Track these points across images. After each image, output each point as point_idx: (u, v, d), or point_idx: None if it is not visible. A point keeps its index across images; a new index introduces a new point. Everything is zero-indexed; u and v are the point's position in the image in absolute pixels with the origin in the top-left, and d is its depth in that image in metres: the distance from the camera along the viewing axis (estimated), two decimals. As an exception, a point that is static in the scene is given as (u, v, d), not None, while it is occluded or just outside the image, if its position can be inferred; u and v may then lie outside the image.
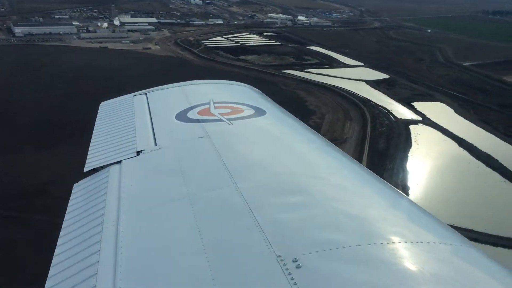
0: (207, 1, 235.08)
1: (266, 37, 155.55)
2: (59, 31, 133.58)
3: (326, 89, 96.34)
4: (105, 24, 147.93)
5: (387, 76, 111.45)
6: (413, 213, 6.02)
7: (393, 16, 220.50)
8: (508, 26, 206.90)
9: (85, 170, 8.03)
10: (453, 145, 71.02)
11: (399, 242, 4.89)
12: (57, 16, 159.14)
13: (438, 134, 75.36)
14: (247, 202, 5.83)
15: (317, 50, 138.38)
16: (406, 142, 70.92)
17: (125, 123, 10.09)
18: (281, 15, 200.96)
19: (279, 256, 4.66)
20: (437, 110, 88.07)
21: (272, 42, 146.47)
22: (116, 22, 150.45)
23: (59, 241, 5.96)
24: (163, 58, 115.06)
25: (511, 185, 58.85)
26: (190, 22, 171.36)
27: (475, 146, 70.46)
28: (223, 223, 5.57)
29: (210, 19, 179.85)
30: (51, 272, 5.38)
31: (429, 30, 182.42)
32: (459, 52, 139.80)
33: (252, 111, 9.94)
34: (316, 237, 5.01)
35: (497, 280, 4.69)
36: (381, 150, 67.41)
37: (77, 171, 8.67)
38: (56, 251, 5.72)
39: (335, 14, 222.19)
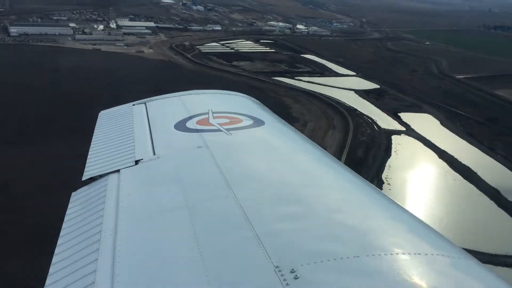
0: (209, 7, 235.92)
1: (263, 44, 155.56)
2: (55, 32, 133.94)
3: (314, 97, 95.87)
4: (101, 27, 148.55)
5: (378, 86, 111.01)
6: (412, 224, 6.02)
7: (394, 28, 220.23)
8: (508, 41, 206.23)
9: (84, 178, 8.01)
10: (433, 156, 70.31)
11: (397, 254, 4.88)
12: (56, 18, 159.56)
13: (420, 145, 74.67)
14: (245, 212, 5.83)
15: (311, 58, 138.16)
16: (385, 152, 70.25)
17: (124, 132, 10.14)
18: (280, 23, 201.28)
19: (277, 266, 4.66)
20: (422, 122, 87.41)
21: (267, 49, 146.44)
22: (113, 25, 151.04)
23: (57, 250, 5.95)
24: (155, 61, 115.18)
25: (486, 199, 57.96)
26: (188, 27, 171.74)
27: (456, 159, 69.67)
28: (221, 233, 5.58)
29: (208, 25, 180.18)
30: (48, 280, 5.38)
31: (428, 43, 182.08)
32: (455, 64, 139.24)
33: (250, 122, 10.03)
34: (314, 248, 5.00)
35: None
36: (358, 159, 66.69)
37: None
38: (54, 260, 5.72)
39: (335, 24, 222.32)
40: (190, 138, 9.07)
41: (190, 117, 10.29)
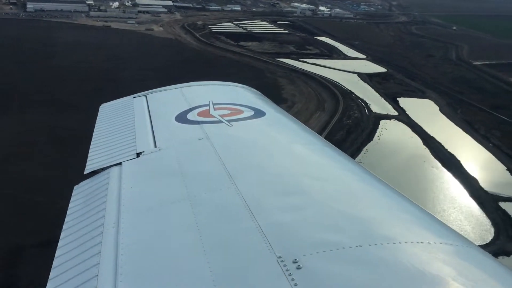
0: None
1: (278, 25, 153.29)
2: (71, 8, 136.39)
3: (311, 79, 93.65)
4: (116, 4, 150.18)
5: (385, 70, 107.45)
6: (414, 213, 6.00)
7: (424, 11, 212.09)
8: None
9: (86, 172, 8.03)
10: (418, 142, 67.31)
11: (400, 243, 4.87)
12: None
13: (408, 131, 71.68)
14: (247, 204, 5.84)
15: (324, 40, 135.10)
16: (368, 137, 67.79)
17: (125, 125, 10.16)
18: (302, 5, 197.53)
19: (280, 257, 4.67)
20: (420, 107, 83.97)
21: (281, 31, 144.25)
22: (128, 3, 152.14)
23: (60, 243, 5.99)
24: (160, 39, 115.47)
25: (460, 188, 55.12)
26: (206, 7, 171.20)
27: (442, 145, 66.54)
28: (223, 225, 5.56)
29: (228, 5, 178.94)
30: (52, 273, 5.40)
31: (454, 28, 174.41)
32: (476, 51, 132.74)
33: (251, 112, 10.01)
34: (317, 238, 5.01)
35: (500, 280, 4.64)
36: (335, 142, 64.68)
37: None
38: (57, 253, 5.75)
39: (362, 7, 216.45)
40: (191, 130, 9.05)
41: (191, 109, 10.29)
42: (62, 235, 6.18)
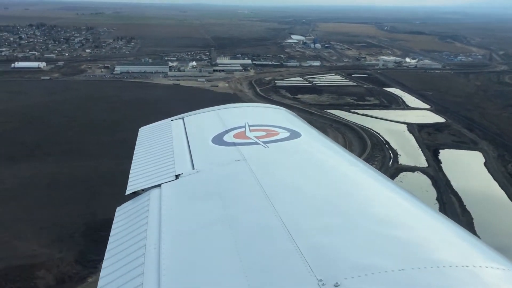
0: (326, 45, 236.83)
1: (352, 78, 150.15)
2: (152, 70, 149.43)
3: (349, 129, 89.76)
4: (194, 63, 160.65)
5: (443, 121, 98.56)
6: (457, 235, 5.85)
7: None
8: None
9: (127, 193, 8.32)
10: (429, 197, 59.53)
11: (444, 266, 4.71)
12: (166, 58, 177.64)
13: (425, 184, 65.21)
14: (285, 225, 5.86)
15: (391, 91, 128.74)
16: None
17: (164, 147, 10.46)
18: (389, 57, 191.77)
19: (320, 280, 4.61)
20: (462, 159, 75.44)
21: (349, 83, 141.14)
22: (207, 63, 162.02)
23: (104, 263, 6.17)
24: (217, 94, 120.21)
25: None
26: (284, 63, 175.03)
27: (460, 202, 58.22)
28: (262, 246, 5.59)
29: (308, 61, 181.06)
30: None
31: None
32: None
33: (287, 134, 10.17)
34: (358, 261, 4.91)
35: None
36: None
37: None
38: (102, 273, 5.94)
39: (459, 57, 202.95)
40: (228, 152, 9.18)
41: (227, 131, 10.47)
42: (106, 256, 6.32)
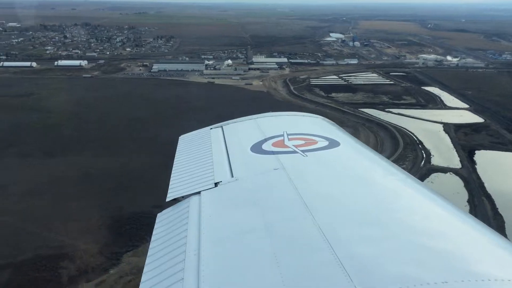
0: (366, 43, 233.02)
1: (389, 76, 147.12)
2: (189, 68, 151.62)
3: (382, 128, 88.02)
4: (229, 62, 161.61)
5: (481, 121, 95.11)
6: (502, 247, 5.68)
7: None
8: None
9: (167, 199, 8.53)
10: (460, 199, 57.73)
11: (489, 280, 4.62)
12: (203, 56, 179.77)
13: (457, 185, 62.91)
14: (324, 235, 5.84)
15: (430, 90, 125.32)
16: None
17: (203, 155, 10.62)
18: (430, 56, 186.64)
19: None
20: (498, 161, 72.51)
21: (386, 81, 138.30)
22: (243, 61, 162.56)
23: (146, 268, 6.31)
24: (251, 92, 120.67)
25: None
26: (320, 62, 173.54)
27: (493, 205, 56.18)
28: (301, 256, 5.59)
29: (345, 59, 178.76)
30: None
31: None
32: None
33: (326, 143, 10.19)
34: (398, 272, 4.85)
35: None
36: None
37: None
38: (143, 278, 6.06)
39: (504, 56, 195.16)
40: (267, 160, 9.27)
41: (266, 139, 10.62)
42: (147, 261, 6.48)
